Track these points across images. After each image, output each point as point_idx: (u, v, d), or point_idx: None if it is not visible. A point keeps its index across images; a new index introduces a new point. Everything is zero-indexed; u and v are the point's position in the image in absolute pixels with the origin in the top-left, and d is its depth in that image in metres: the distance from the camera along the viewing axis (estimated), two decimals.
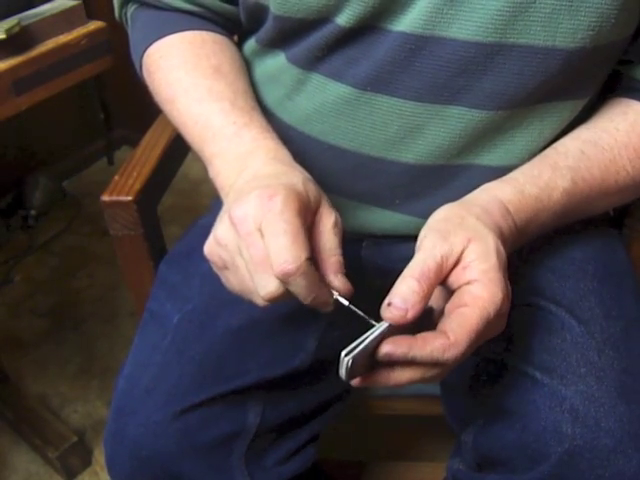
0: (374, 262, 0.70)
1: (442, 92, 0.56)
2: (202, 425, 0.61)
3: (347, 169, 0.63)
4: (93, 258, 1.74)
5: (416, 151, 0.59)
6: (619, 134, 0.59)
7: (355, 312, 0.47)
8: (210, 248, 0.49)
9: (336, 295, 0.47)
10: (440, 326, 0.46)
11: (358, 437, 1.23)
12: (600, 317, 0.60)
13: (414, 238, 0.52)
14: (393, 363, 0.46)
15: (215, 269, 0.51)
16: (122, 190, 0.74)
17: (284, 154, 0.54)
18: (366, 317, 0.47)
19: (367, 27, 0.55)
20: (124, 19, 0.74)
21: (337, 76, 0.59)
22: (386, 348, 0.44)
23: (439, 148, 0.59)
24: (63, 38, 0.87)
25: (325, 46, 0.57)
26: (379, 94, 0.57)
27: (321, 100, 0.60)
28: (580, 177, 0.57)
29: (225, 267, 0.49)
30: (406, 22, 0.53)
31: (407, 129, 0.58)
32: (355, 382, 0.46)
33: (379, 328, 0.45)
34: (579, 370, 0.56)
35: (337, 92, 0.59)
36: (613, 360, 0.57)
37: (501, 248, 0.49)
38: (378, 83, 0.57)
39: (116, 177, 0.76)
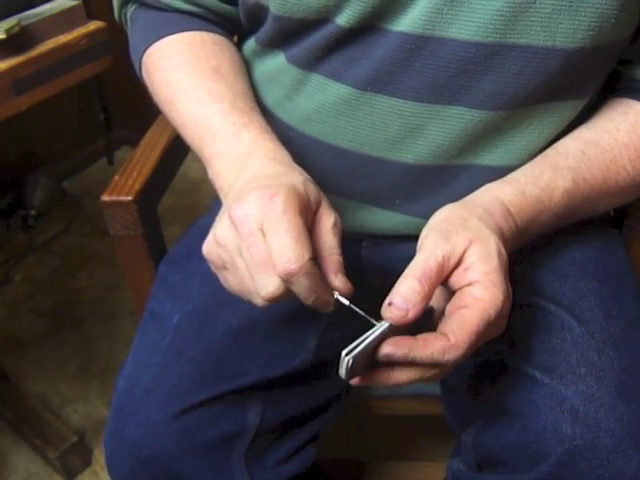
0: (374, 262, 0.70)
1: (442, 92, 0.56)
2: (202, 425, 0.61)
3: (347, 169, 0.63)
4: (93, 258, 1.74)
5: (416, 151, 0.59)
6: (620, 134, 0.59)
7: (355, 312, 0.47)
8: (209, 248, 0.49)
9: (337, 295, 0.47)
10: (441, 327, 0.46)
11: (358, 437, 1.23)
12: (600, 317, 0.60)
13: (414, 238, 0.52)
14: (393, 363, 0.46)
15: (214, 269, 0.51)
16: (122, 190, 0.74)
17: (283, 155, 0.54)
18: (367, 317, 0.47)
19: (367, 27, 0.55)
20: (124, 20, 0.74)
21: (337, 76, 0.59)
22: (386, 349, 0.44)
23: (439, 148, 0.59)
24: (63, 38, 0.87)
25: (325, 46, 0.57)
26: (379, 94, 0.57)
27: (321, 100, 0.60)
28: (581, 177, 0.57)
29: (224, 267, 0.49)
30: (406, 22, 0.53)
31: (407, 129, 0.58)
32: (354, 381, 0.46)
33: (380, 328, 0.45)
34: (579, 370, 0.56)
35: (337, 92, 0.59)
36: (613, 360, 0.57)
37: (502, 250, 0.49)
38: (378, 83, 0.57)
39: (116, 177, 0.76)
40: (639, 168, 0.59)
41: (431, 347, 0.44)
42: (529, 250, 0.62)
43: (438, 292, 0.49)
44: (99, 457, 1.25)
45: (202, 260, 0.51)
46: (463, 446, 0.66)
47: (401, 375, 0.46)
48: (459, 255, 0.47)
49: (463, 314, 0.45)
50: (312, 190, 0.49)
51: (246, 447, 0.64)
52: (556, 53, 0.53)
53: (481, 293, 0.46)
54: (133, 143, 0.97)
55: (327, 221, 0.49)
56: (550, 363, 0.57)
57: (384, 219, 0.65)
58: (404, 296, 0.45)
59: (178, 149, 0.83)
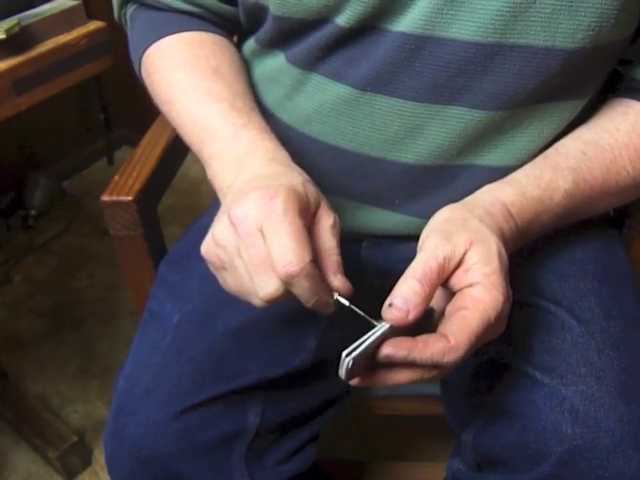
0: (374, 262, 0.70)
1: (442, 92, 0.56)
2: (202, 425, 0.61)
3: (347, 169, 0.63)
4: (93, 258, 1.74)
5: (416, 151, 0.59)
6: (620, 134, 0.59)
7: (355, 312, 0.47)
8: (208, 248, 0.49)
9: (336, 296, 0.47)
10: (440, 328, 0.46)
11: (358, 437, 1.23)
12: (600, 317, 0.60)
13: (414, 238, 0.52)
14: (393, 364, 0.45)
15: (212, 269, 0.51)
16: (122, 190, 0.74)
17: (282, 155, 0.54)
18: (367, 317, 0.47)
19: (367, 27, 0.55)
20: (123, 20, 0.74)
21: (337, 76, 0.59)
22: (386, 350, 0.44)
23: (439, 148, 0.59)
24: (63, 38, 0.87)
25: (325, 46, 0.57)
26: (379, 94, 0.57)
27: (321, 100, 0.60)
28: (581, 178, 0.57)
29: (222, 267, 0.49)
30: (406, 22, 0.53)
31: (407, 129, 0.58)
32: (354, 382, 0.46)
33: (380, 329, 0.45)
34: (579, 370, 0.56)
35: (337, 92, 0.59)
36: (613, 360, 0.57)
37: (503, 251, 0.49)
38: (378, 83, 0.57)
39: (116, 177, 0.76)
40: (639, 168, 0.59)
41: (431, 348, 0.44)
42: (529, 250, 0.62)
43: (438, 293, 0.49)
44: (99, 457, 1.25)
45: (202, 260, 0.51)
46: (463, 446, 0.66)
47: (401, 376, 0.46)
48: (460, 256, 0.47)
49: (463, 315, 0.45)
50: (311, 191, 0.49)
51: (246, 447, 0.64)
52: (556, 53, 0.53)
53: (481, 295, 0.46)
54: (133, 143, 0.97)
55: (326, 222, 0.49)
56: (550, 363, 0.57)
57: (384, 219, 0.65)
58: (405, 297, 0.45)
59: (178, 149, 0.83)
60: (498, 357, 0.60)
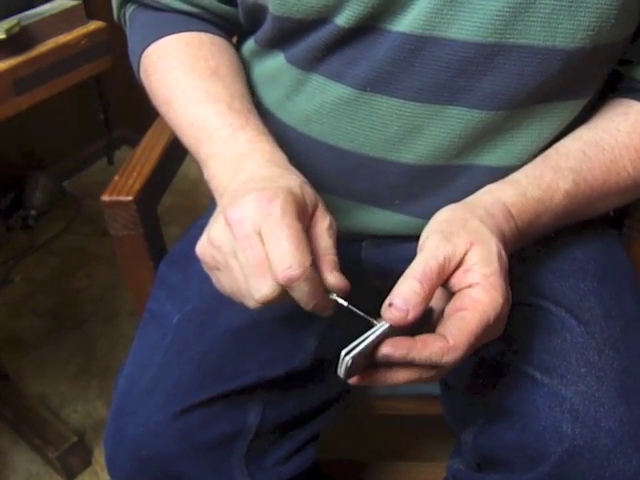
0: (374, 262, 0.70)
1: (442, 92, 0.56)
2: (202, 425, 0.61)
3: (347, 169, 0.63)
4: (93, 258, 1.74)
5: (416, 151, 0.59)
6: (620, 135, 0.59)
7: (354, 312, 0.47)
8: (203, 248, 0.49)
9: (334, 296, 0.47)
10: (439, 329, 0.46)
11: (358, 437, 1.23)
12: (600, 317, 0.60)
13: (414, 238, 0.52)
14: (392, 363, 0.46)
15: (206, 269, 0.50)
16: (122, 190, 0.74)
17: (280, 157, 0.54)
18: (366, 317, 0.47)
19: (366, 27, 0.55)
20: (122, 20, 0.74)
21: (336, 77, 0.59)
22: (385, 350, 0.44)
23: (439, 148, 0.59)
24: (63, 38, 0.87)
25: (324, 47, 0.57)
26: (379, 94, 0.57)
27: (320, 101, 0.60)
28: (582, 178, 0.57)
29: (217, 268, 0.49)
30: (405, 22, 0.53)
31: (407, 129, 0.58)
32: (353, 380, 0.46)
33: (379, 328, 0.45)
34: (579, 370, 0.56)
35: (336, 93, 0.59)
36: (613, 360, 0.57)
37: (503, 252, 0.49)
38: (378, 83, 0.57)
39: (116, 177, 0.76)
40: (639, 169, 0.59)
41: (430, 349, 0.44)
42: (529, 250, 0.62)
43: (438, 293, 0.49)
44: (99, 457, 1.25)
45: None
46: (463, 446, 0.66)
47: (400, 375, 0.46)
48: (460, 257, 0.47)
49: (462, 316, 0.45)
50: (309, 193, 0.49)
51: (246, 447, 0.64)
52: (556, 53, 0.53)
53: (481, 295, 0.46)
54: (133, 143, 0.97)
55: (323, 224, 0.49)
56: (550, 363, 0.57)
57: (384, 219, 0.65)
58: (404, 297, 0.45)
59: (178, 149, 0.83)
60: (498, 357, 0.60)
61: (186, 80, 0.61)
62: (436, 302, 0.49)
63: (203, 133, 0.58)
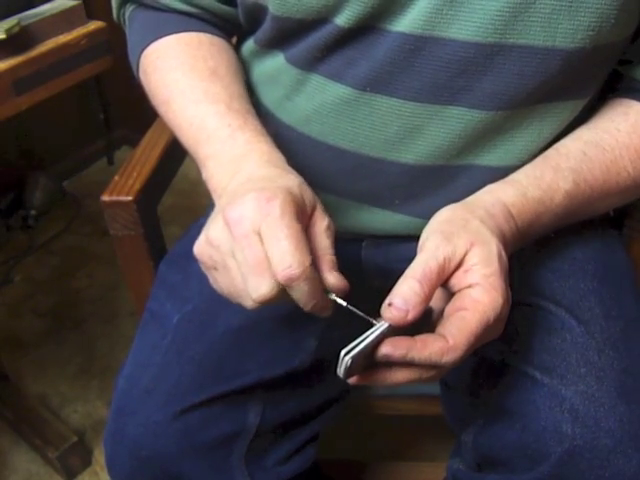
0: (374, 262, 0.70)
1: (442, 92, 0.56)
2: (202, 425, 0.61)
3: (347, 169, 0.63)
4: (93, 258, 1.74)
5: (416, 152, 0.59)
6: (620, 135, 0.59)
7: (354, 312, 0.47)
8: (201, 248, 0.49)
9: (333, 296, 0.47)
10: (439, 329, 0.46)
11: (358, 437, 1.23)
12: (600, 317, 0.60)
13: (414, 238, 0.52)
14: (391, 363, 0.46)
15: (204, 269, 0.50)
16: (122, 190, 0.74)
17: (278, 157, 0.54)
18: (366, 317, 0.47)
19: (366, 27, 0.55)
20: (122, 20, 0.74)
21: (336, 77, 0.59)
22: (385, 349, 0.44)
23: (439, 148, 0.59)
24: (63, 38, 0.87)
25: (324, 47, 0.57)
26: (378, 95, 0.57)
27: (320, 101, 0.60)
28: (582, 179, 0.57)
29: (214, 268, 0.49)
30: (405, 22, 0.53)
31: (407, 130, 0.58)
32: (352, 380, 0.46)
33: (379, 328, 0.45)
34: (579, 370, 0.56)
35: (336, 93, 0.59)
36: (613, 360, 0.57)
37: (503, 253, 0.49)
38: (377, 84, 0.57)
39: (116, 177, 0.76)
40: (639, 169, 0.59)
41: (429, 348, 0.44)
42: (529, 250, 0.62)
43: (437, 293, 0.49)
44: (99, 457, 1.25)
45: None
46: (463, 446, 0.66)
47: (399, 375, 0.46)
48: (460, 257, 0.47)
49: (462, 316, 0.45)
50: (307, 193, 0.49)
51: (246, 447, 0.64)
52: (556, 53, 0.53)
53: (481, 296, 0.46)
54: (133, 143, 0.97)
55: (321, 224, 0.49)
56: (550, 363, 0.57)
57: (384, 219, 0.65)
58: (404, 297, 0.45)
59: (178, 149, 0.83)
60: (498, 357, 0.60)
61: (185, 80, 0.61)
62: (436, 302, 0.49)
63: (202, 133, 0.58)
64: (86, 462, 1.24)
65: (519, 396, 0.58)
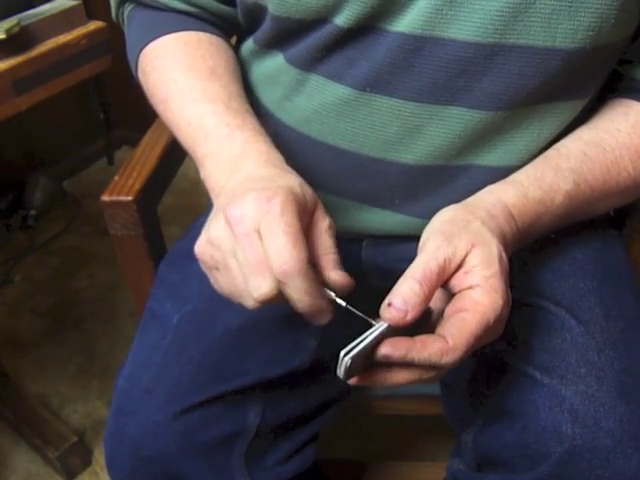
0: (374, 262, 0.70)
1: (441, 93, 0.56)
2: (202, 425, 0.61)
3: (346, 170, 0.63)
4: (93, 258, 1.74)
5: (415, 152, 0.59)
6: (620, 135, 0.59)
7: (353, 312, 0.47)
8: (201, 248, 0.49)
9: (333, 296, 0.47)
10: (439, 330, 0.46)
11: (358, 437, 1.23)
12: (600, 317, 0.60)
13: (414, 238, 0.52)
14: (391, 364, 0.45)
15: (204, 269, 0.50)
16: (122, 190, 0.74)
17: (276, 157, 0.54)
18: (365, 317, 0.47)
19: (366, 28, 0.55)
20: (121, 19, 0.74)
21: (336, 77, 0.59)
22: (384, 350, 0.44)
23: (439, 149, 0.59)
24: (63, 38, 0.87)
25: (324, 47, 0.57)
26: (378, 95, 0.57)
27: (320, 101, 0.60)
28: (582, 179, 0.57)
29: (215, 267, 0.49)
30: (405, 23, 0.53)
31: (406, 130, 0.58)
32: (352, 381, 0.46)
33: (378, 328, 0.45)
34: (579, 370, 0.56)
35: (336, 93, 0.59)
36: (613, 360, 0.57)
37: (503, 254, 0.49)
38: (377, 84, 0.57)
39: (116, 177, 0.76)
40: None
41: (429, 349, 0.44)
42: (529, 250, 0.62)
43: (437, 294, 0.49)
44: (99, 457, 1.25)
45: None
46: (463, 446, 0.66)
47: (399, 376, 0.46)
48: (460, 258, 0.47)
49: (462, 317, 0.45)
50: (309, 193, 0.49)
51: (246, 447, 0.64)
52: (556, 53, 0.53)
53: (481, 297, 0.46)
54: (133, 143, 0.97)
55: (322, 224, 0.49)
56: (550, 363, 0.57)
57: (384, 219, 0.65)
58: (404, 297, 0.45)
59: (178, 149, 0.82)
60: (498, 357, 0.60)
61: (184, 79, 0.61)
62: (436, 303, 0.49)
63: (200, 132, 0.58)
64: (86, 462, 1.24)
65: (519, 396, 0.58)
